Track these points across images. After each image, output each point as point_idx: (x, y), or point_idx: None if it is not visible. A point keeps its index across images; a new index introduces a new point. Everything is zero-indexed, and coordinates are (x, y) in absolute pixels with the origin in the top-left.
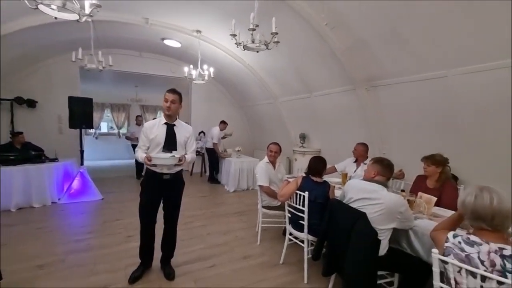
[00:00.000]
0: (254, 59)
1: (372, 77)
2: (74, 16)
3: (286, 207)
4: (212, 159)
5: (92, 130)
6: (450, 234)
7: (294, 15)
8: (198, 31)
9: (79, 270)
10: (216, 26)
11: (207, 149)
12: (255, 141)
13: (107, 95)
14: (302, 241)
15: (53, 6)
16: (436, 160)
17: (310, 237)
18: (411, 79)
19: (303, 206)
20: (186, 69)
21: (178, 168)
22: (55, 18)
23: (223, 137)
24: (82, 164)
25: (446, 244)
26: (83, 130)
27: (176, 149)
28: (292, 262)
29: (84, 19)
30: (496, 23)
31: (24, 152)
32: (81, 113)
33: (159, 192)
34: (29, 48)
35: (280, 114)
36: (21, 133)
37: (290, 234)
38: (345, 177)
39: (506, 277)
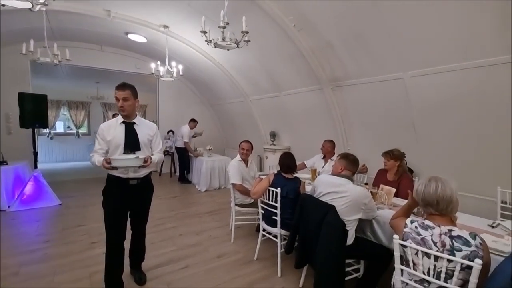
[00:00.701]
0: (224, 57)
1: (337, 78)
2: (26, 4)
3: (259, 204)
4: (182, 158)
5: (46, 130)
6: (408, 220)
7: (264, 16)
8: (166, 27)
9: (36, 283)
10: (185, 22)
11: (177, 148)
12: (226, 139)
13: (63, 91)
14: (275, 236)
15: None
16: (395, 155)
17: (283, 232)
18: (371, 80)
19: (276, 202)
20: (153, 65)
21: (145, 171)
22: (3, 5)
23: (193, 136)
24: (35, 167)
25: (405, 230)
26: (36, 130)
27: (139, 149)
28: (266, 258)
29: (37, 8)
30: (447, 30)
31: None
32: (34, 111)
33: (126, 200)
34: None
35: (250, 112)
36: None
37: (264, 230)
38: (314, 173)
39: (454, 255)
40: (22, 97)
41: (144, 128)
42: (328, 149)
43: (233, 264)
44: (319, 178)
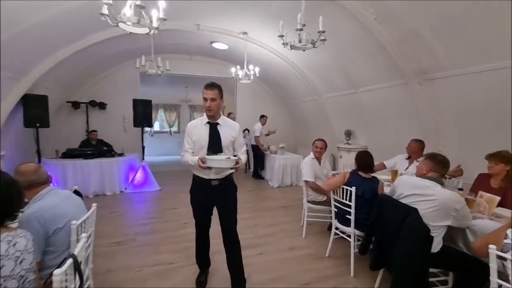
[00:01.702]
0: (298, 57)
1: (426, 70)
2: (145, 30)
3: (332, 202)
4: (257, 155)
5: (148, 129)
6: (509, 231)
7: (341, 12)
8: (245, 33)
9: (148, 249)
10: (262, 27)
11: (252, 146)
12: (299, 138)
13: (160, 96)
14: (349, 236)
15: (129, 23)
16: (504, 157)
17: (357, 232)
18: (470, 70)
19: (350, 201)
20: (233, 69)
21: (227, 172)
22: (130, 33)
23: (267, 134)
24: (143, 158)
25: (505, 241)
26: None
27: (221, 151)
28: (337, 256)
29: (152, 32)
30: None
31: (98, 148)
32: (143, 114)
33: (210, 200)
34: (97, 59)
35: (324, 110)
36: (95, 131)
37: (336, 228)
38: (395, 174)
39: None
40: (135, 102)
41: (227, 129)
42: (414, 149)
43: (304, 258)
44: (400, 179)
